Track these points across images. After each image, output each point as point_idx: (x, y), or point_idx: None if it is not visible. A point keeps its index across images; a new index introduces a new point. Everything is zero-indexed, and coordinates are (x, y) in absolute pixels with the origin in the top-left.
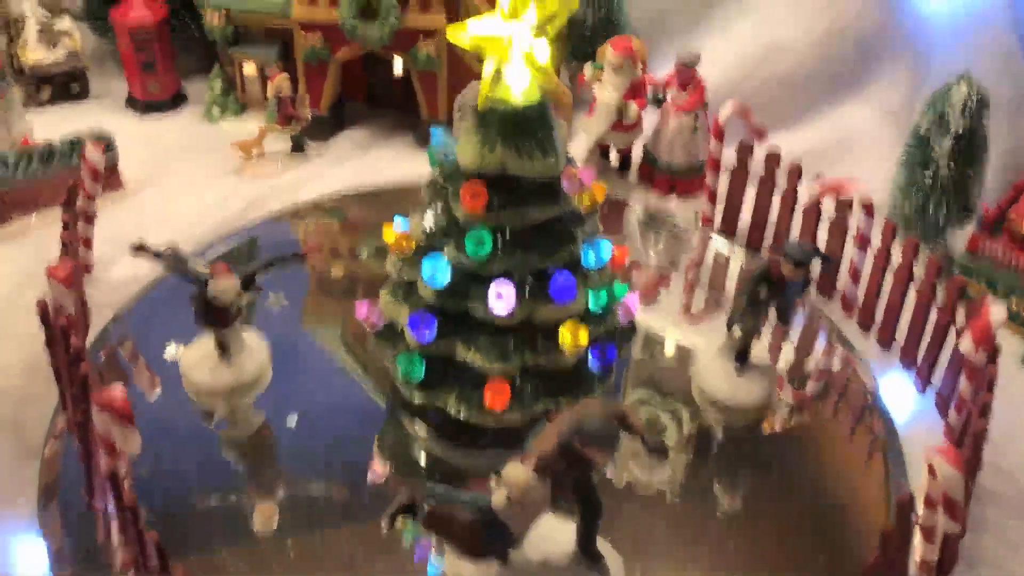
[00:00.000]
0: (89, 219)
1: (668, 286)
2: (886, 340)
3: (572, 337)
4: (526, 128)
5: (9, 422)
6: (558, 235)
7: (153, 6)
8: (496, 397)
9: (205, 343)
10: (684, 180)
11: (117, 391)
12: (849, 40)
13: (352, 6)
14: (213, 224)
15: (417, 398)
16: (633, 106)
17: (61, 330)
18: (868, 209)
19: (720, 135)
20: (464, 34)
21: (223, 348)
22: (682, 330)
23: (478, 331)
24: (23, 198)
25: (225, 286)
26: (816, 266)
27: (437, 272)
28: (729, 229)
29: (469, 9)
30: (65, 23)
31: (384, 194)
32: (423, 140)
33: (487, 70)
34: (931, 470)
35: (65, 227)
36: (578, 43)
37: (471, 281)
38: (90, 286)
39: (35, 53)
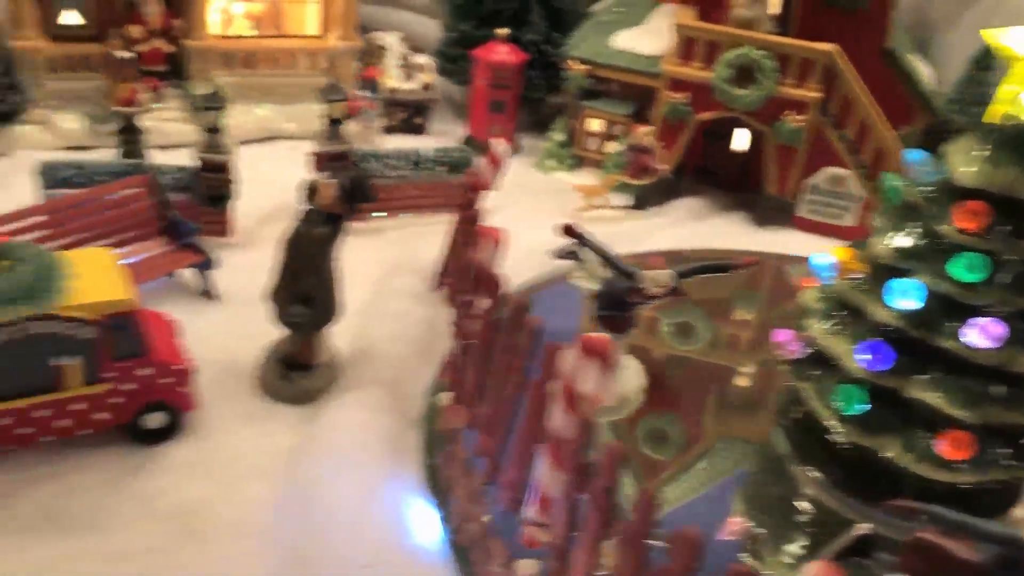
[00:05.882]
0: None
1: None
2: None
3: None
4: None
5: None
6: None
7: (515, 51)
8: (955, 448)
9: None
10: None
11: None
12: None
13: (729, 68)
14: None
15: (850, 436)
16: None
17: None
18: None
19: None
20: (1005, 37)
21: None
22: None
23: (940, 368)
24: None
25: (656, 276)
26: None
27: (909, 295)
28: None
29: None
30: (422, 58)
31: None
32: (762, 219)
33: (1007, 88)
34: None
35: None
36: None
37: (945, 310)
38: None
39: (393, 80)
